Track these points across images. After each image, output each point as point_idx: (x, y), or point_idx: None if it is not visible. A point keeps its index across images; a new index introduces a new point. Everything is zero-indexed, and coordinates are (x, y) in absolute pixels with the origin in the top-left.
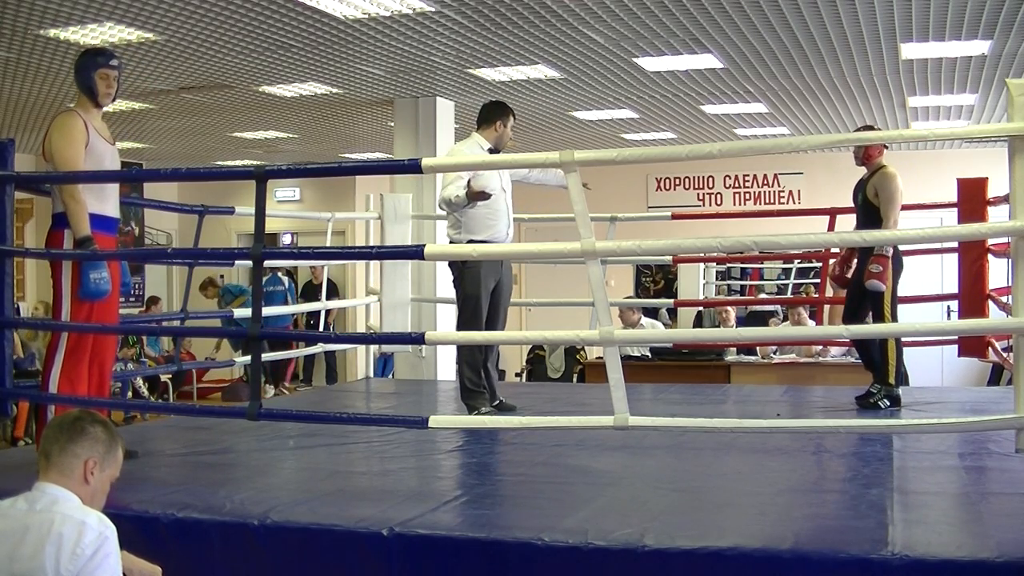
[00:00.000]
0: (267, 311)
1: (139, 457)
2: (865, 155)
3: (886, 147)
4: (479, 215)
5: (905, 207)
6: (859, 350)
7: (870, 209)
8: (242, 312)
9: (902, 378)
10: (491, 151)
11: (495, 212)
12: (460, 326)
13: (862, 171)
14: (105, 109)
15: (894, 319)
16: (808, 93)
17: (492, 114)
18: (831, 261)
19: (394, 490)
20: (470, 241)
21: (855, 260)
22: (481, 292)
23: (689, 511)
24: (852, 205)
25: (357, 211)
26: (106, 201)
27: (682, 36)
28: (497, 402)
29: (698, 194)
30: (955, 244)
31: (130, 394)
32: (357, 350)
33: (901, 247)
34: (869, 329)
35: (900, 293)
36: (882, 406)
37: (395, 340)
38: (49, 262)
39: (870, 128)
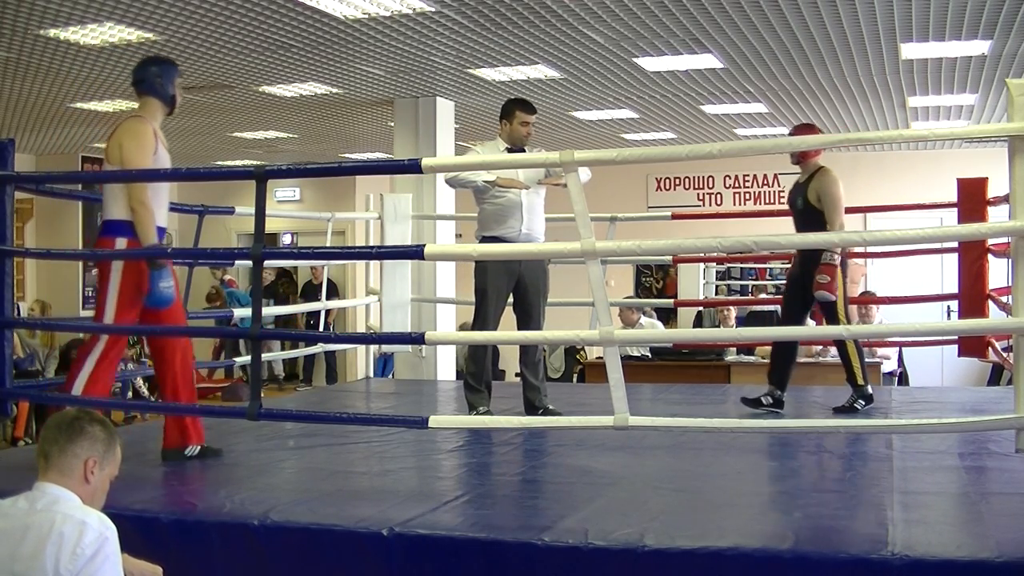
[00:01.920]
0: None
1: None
2: (801, 154)
3: None
4: (490, 211)
5: (905, 207)
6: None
7: (813, 213)
8: (242, 312)
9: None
10: (509, 150)
11: (506, 209)
12: (473, 321)
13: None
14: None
15: (848, 321)
16: (808, 93)
17: (501, 113)
18: None
19: (394, 490)
20: (482, 238)
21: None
22: (488, 288)
23: (689, 511)
24: (804, 207)
25: (357, 211)
26: (160, 209)
27: (682, 36)
28: (541, 410)
29: (698, 194)
30: (955, 244)
31: (130, 394)
32: (357, 350)
33: (899, 247)
34: (868, 330)
35: (901, 293)
36: (859, 407)
37: (395, 340)
38: (97, 266)
39: (810, 127)
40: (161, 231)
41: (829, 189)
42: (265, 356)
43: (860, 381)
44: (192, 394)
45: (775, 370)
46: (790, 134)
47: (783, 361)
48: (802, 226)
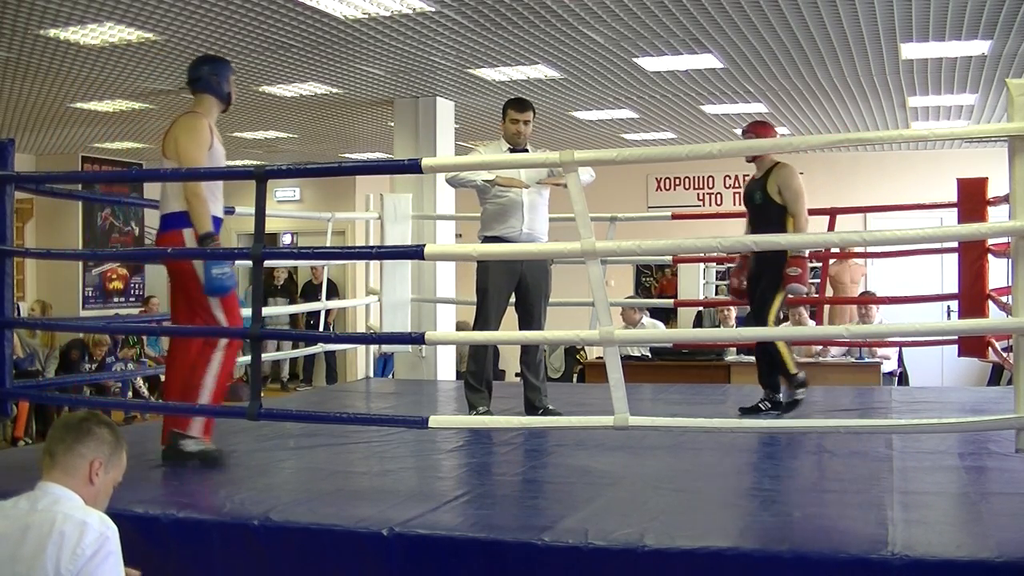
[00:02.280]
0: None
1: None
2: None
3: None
4: (491, 211)
5: (905, 207)
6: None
7: (772, 207)
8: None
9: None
10: (512, 150)
11: (508, 208)
12: (474, 320)
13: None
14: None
15: (778, 323)
16: (808, 93)
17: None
18: (731, 269)
19: (394, 490)
20: (484, 238)
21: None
22: (490, 287)
23: (689, 511)
24: (763, 201)
25: (357, 211)
26: (216, 202)
27: (682, 36)
28: (541, 410)
29: (698, 194)
30: (955, 244)
31: (130, 394)
32: (357, 350)
33: (899, 247)
34: (868, 330)
35: (901, 293)
36: (800, 396)
37: (395, 340)
38: (169, 267)
39: (765, 125)
40: (217, 221)
41: (790, 182)
42: (267, 356)
43: (793, 370)
44: (220, 395)
45: (764, 374)
46: (744, 132)
47: (770, 363)
48: (760, 221)
